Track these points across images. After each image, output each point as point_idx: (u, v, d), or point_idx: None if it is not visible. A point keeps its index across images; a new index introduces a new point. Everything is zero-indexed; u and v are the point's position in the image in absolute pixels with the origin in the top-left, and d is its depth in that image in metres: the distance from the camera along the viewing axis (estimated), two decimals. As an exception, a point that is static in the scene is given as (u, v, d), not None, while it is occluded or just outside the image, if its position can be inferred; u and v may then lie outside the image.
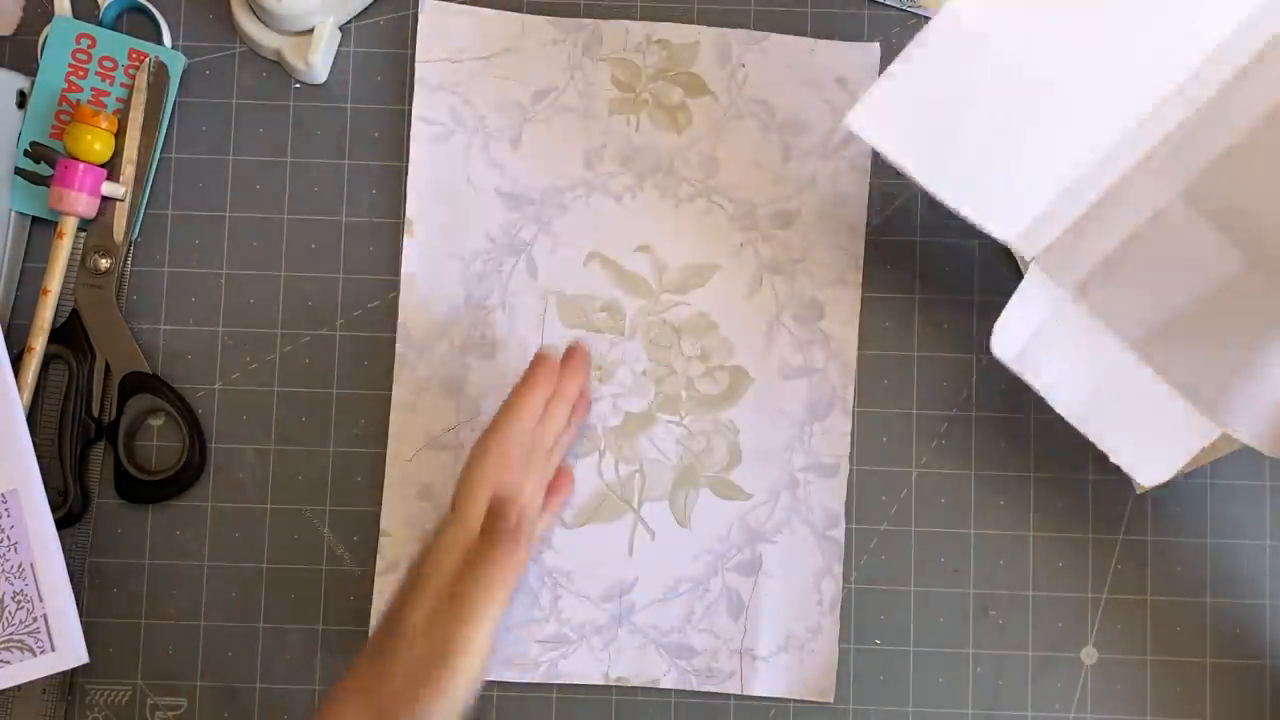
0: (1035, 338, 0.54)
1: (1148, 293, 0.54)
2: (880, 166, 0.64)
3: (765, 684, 0.62)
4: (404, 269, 0.63)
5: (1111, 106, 0.53)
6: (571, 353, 0.60)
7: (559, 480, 0.61)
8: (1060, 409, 0.55)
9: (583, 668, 0.62)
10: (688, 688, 0.62)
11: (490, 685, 0.62)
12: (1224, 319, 0.53)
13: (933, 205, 0.65)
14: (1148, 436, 0.54)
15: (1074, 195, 0.53)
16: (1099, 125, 0.53)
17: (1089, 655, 0.62)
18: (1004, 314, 0.54)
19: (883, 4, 0.65)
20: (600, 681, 0.62)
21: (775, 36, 0.64)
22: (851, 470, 0.63)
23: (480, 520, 0.55)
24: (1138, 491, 0.62)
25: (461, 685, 0.52)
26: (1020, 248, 0.54)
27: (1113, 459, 0.54)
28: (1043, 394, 0.54)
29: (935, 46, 0.52)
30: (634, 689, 0.62)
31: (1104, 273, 0.54)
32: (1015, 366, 0.54)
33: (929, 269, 0.64)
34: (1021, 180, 0.53)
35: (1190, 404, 0.54)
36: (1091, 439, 0.54)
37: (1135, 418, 0.54)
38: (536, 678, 0.62)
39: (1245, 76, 0.52)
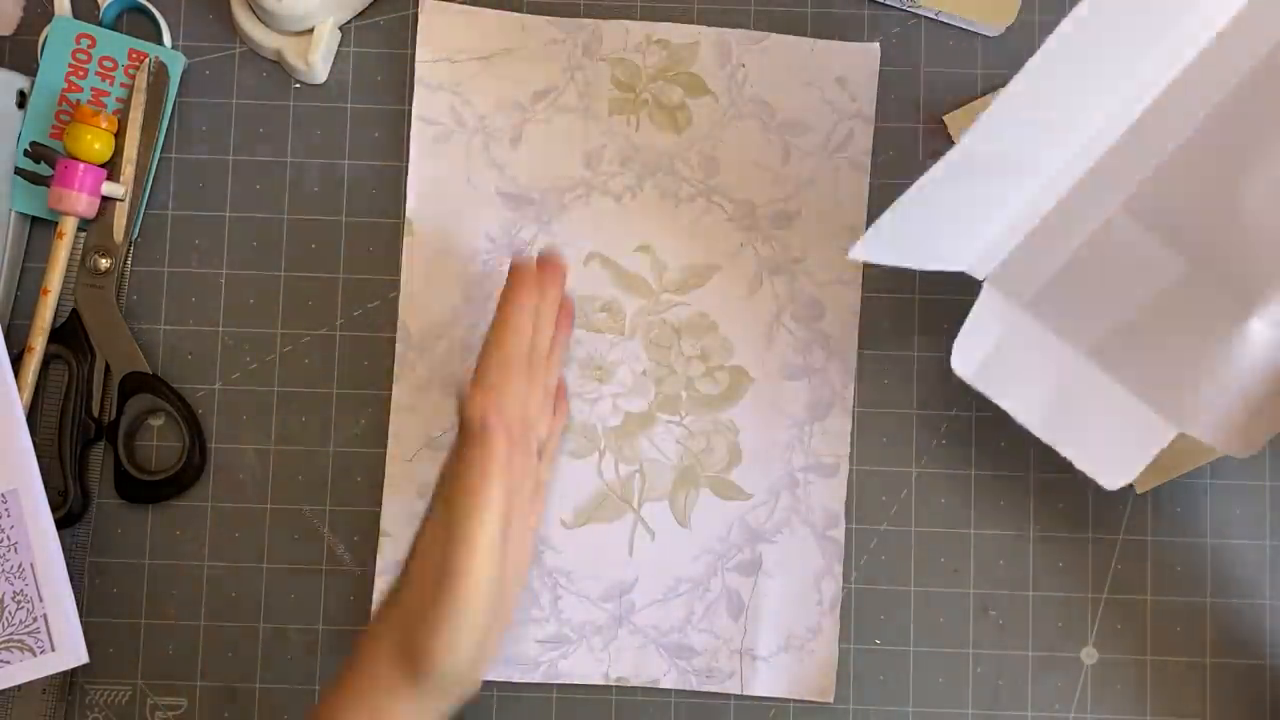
0: (993, 353, 0.56)
1: (1098, 304, 0.55)
2: (880, 166, 0.64)
3: (765, 684, 0.62)
4: (404, 269, 0.63)
5: (1058, 146, 0.54)
6: (545, 259, 0.59)
7: (559, 392, 0.61)
8: (1021, 420, 0.56)
9: (583, 668, 0.62)
10: (688, 688, 0.62)
11: (490, 685, 0.62)
12: (1174, 324, 0.54)
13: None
14: (1108, 441, 0.55)
15: (1022, 217, 0.55)
16: (1046, 161, 0.54)
17: (1089, 655, 0.62)
18: (961, 333, 0.56)
19: (883, 4, 0.65)
20: (600, 681, 0.62)
21: (775, 36, 0.64)
22: (851, 470, 0.63)
23: (495, 434, 0.53)
24: (1138, 491, 0.62)
25: (472, 600, 0.51)
26: (973, 270, 0.56)
27: (1075, 464, 0.55)
28: (1004, 407, 0.56)
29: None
30: (634, 689, 0.62)
31: (1055, 287, 0.55)
32: (975, 383, 0.56)
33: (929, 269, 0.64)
34: (967, 223, 0.55)
35: (1148, 408, 0.55)
36: (1052, 446, 0.56)
37: (1095, 423, 0.55)
38: (536, 678, 0.62)
39: (1178, 90, 0.54)
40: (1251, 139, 0.53)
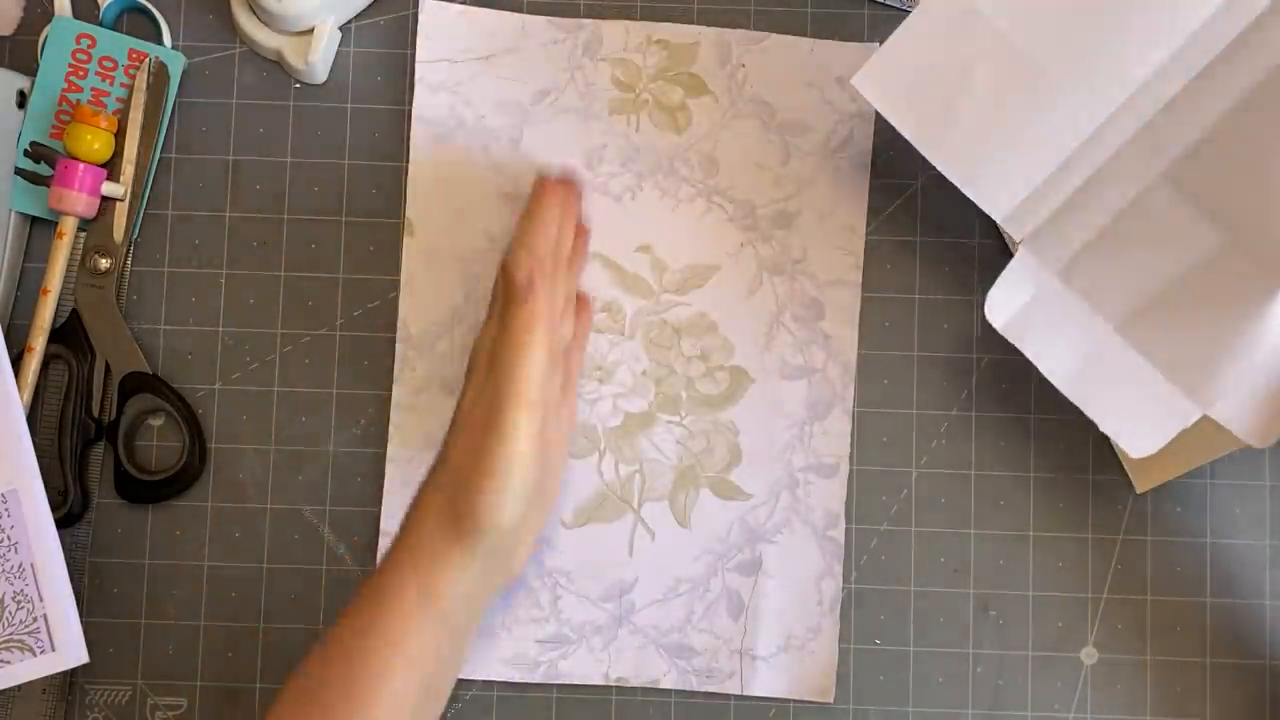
0: (1025, 309, 0.56)
1: (1132, 274, 0.55)
2: (880, 166, 0.64)
3: (765, 684, 0.62)
4: (404, 269, 0.63)
5: (1099, 88, 0.54)
6: (565, 176, 0.59)
7: (580, 304, 0.62)
8: (1049, 375, 0.56)
9: (583, 668, 0.62)
10: (688, 688, 0.62)
11: (490, 685, 0.62)
12: (1205, 300, 0.54)
13: (932, 205, 0.65)
14: (1136, 408, 0.55)
15: (1061, 177, 0.55)
16: (1087, 107, 0.54)
17: (1089, 655, 0.62)
18: (996, 285, 0.56)
19: (883, 4, 0.65)
20: (600, 682, 0.62)
21: (775, 36, 0.64)
22: (851, 470, 0.63)
23: (539, 293, 0.54)
24: (1138, 491, 0.62)
25: (520, 455, 0.52)
26: (1008, 228, 0.56)
27: (1101, 427, 0.55)
28: (1032, 360, 0.56)
29: (933, 16, 0.55)
30: (634, 689, 0.62)
31: (1089, 255, 0.56)
32: (1007, 333, 0.56)
33: (929, 269, 0.64)
34: (1012, 159, 0.55)
35: (1173, 386, 0.55)
36: (1079, 405, 0.56)
37: (1124, 389, 0.55)
38: (536, 678, 0.62)
39: (1225, 59, 0.53)
40: None
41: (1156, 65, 0.54)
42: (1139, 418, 0.55)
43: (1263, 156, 0.53)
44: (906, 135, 0.56)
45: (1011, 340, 0.56)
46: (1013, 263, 0.56)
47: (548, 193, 0.57)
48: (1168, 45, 0.54)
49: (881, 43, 0.64)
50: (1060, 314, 0.56)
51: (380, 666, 0.51)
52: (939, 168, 0.56)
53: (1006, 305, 0.56)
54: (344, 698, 0.51)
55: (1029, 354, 0.56)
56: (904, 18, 0.64)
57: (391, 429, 0.63)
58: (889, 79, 0.56)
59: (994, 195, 0.56)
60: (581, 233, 0.62)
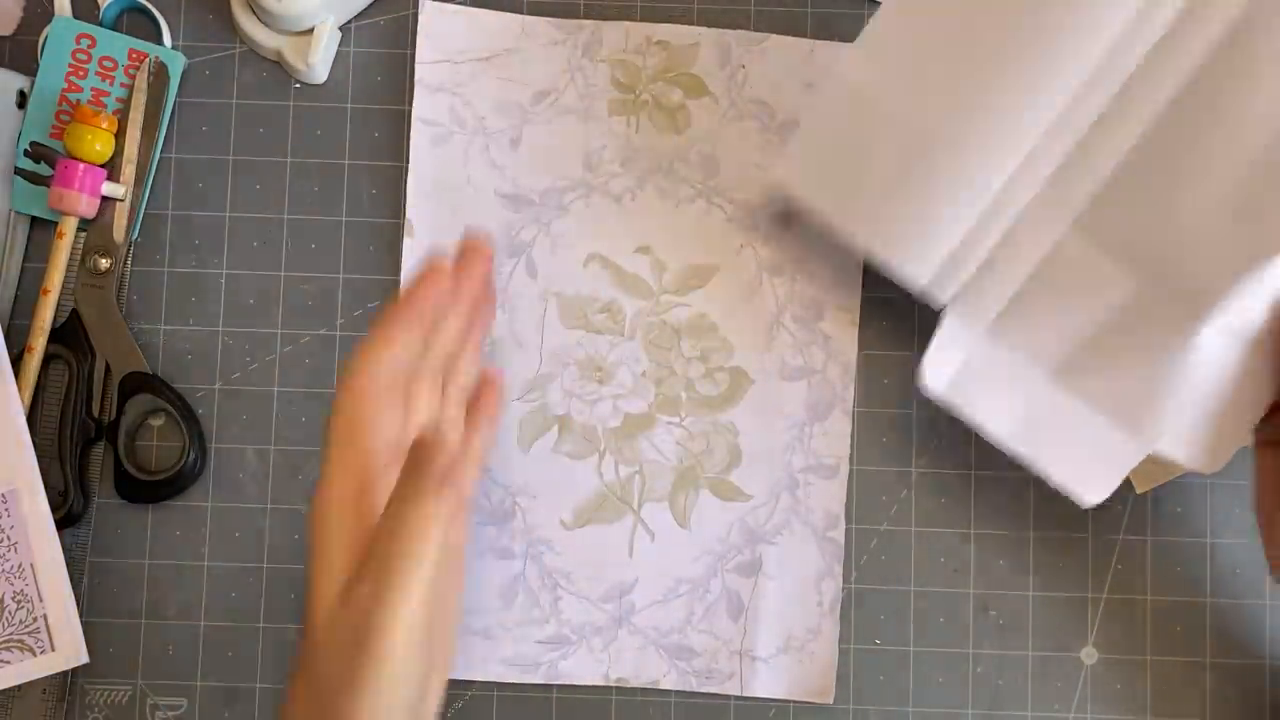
0: (959, 373, 0.56)
1: (1059, 324, 0.55)
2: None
3: (765, 685, 0.62)
4: (404, 269, 0.63)
5: (998, 146, 0.54)
6: (465, 246, 0.53)
7: (483, 391, 0.54)
8: (993, 436, 0.56)
9: (583, 668, 0.62)
10: (688, 689, 0.62)
11: (490, 685, 0.62)
12: (1133, 341, 0.54)
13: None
14: (1084, 455, 0.55)
15: (976, 238, 0.55)
16: (989, 166, 0.54)
17: (1089, 655, 0.62)
18: (928, 351, 0.56)
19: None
20: (600, 682, 0.62)
21: (775, 38, 0.64)
22: (851, 470, 0.63)
23: (349, 474, 0.47)
24: (1138, 491, 0.62)
25: (395, 673, 0.44)
26: (931, 294, 0.56)
27: (1050, 481, 0.55)
28: (975, 425, 0.56)
29: (828, 100, 0.55)
30: (634, 690, 0.62)
31: (1015, 310, 0.56)
32: (946, 400, 0.56)
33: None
34: (923, 227, 0.55)
35: (1116, 427, 0.55)
36: (1026, 462, 0.56)
37: (1069, 438, 0.55)
38: (536, 678, 0.62)
39: (1117, 104, 0.53)
40: (1185, 149, 0.53)
41: (1053, 116, 0.54)
42: (1087, 464, 0.55)
43: (1164, 195, 0.53)
44: (824, 217, 0.56)
45: (951, 407, 0.56)
46: (940, 329, 0.56)
47: (418, 285, 0.50)
48: (1061, 94, 0.53)
49: (881, 43, 0.64)
50: (995, 371, 0.56)
51: None
52: (856, 244, 0.56)
53: (941, 372, 0.56)
54: None
55: (970, 419, 0.56)
56: (904, 18, 0.64)
57: (391, 429, 0.63)
58: (803, 165, 0.56)
59: (912, 265, 0.56)
60: (483, 307, 0.56)
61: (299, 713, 0.46)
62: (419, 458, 0.46)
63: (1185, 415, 0.54)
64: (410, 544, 0.45)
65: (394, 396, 0.50)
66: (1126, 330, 0.54)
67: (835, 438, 0.63)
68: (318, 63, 0.63)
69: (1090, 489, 0.55)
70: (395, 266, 0.63)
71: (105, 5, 0.63)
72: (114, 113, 0.62)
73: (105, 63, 0.63)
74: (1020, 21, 0.52)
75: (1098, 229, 0.54)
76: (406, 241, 0.64)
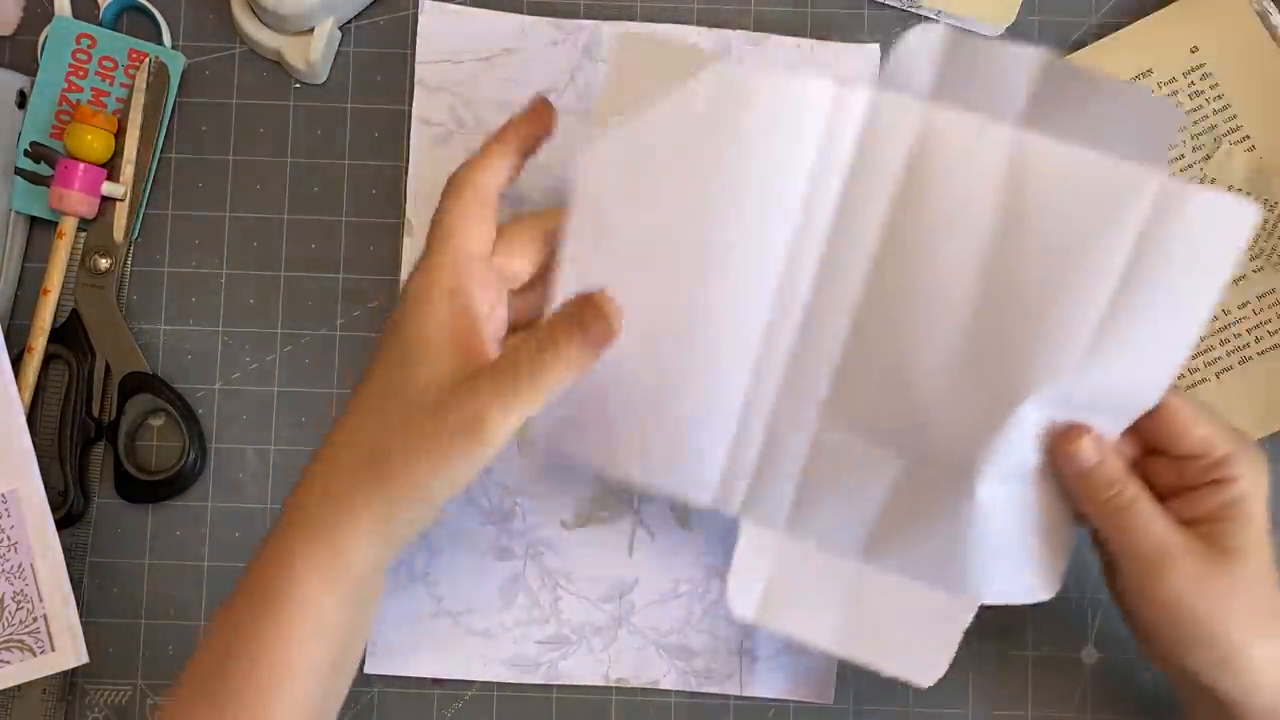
0: (771, 584, 0.55)
1: (848, 511, 0.53)
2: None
3: (765, 684, 0.62)
4: (404, 269, 0.63)
5: (727, 357, 0.52)
6: (536, 107, 0.56)
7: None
8: (816, 644, 0.55)
9: (583, 668, 0.62)
10: (687, 688, 0.62)
11: (490, 685, 0.62)
12: (921, 508, 0.52)
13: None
14: (912, 634, 0.54)
15: (741, 452, 0.54)
16: (726, 379, 0.52)
17: (1089, 655, 0.62)
18: (732, 573, 0.54)
19: (883, 4, 0.65)
20: (600, 682, 0.62)
21: (775, 38, 0.64)
22: (851, 470, 0.63)
23: (445, 268, 0.51)
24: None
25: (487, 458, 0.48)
26: (720, 508, 0.55)
27: (884, 672, 0.54)
28: (796, 638, 0.54)
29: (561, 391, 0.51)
30: (634, 690, 0.62)
31: (803, 506, 0.54)
32: (761, 622, 0.54)
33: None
34: (688, 452, 0.54)
35: (938, 592, 0.53)
36: (855, 660, 0.54)
37: (894, 618, 0.54)
38: (536, 678, 0.62)
39: (819, 295, 0.51)
40: (898, 317, 0.50)
41: (765, 316, 0.51)
42: (918, 642, 0.53)
43: (895, 370, 0.51)
44: (606, 477, 0.53)
45: (768, 627, 0.54)
46: (739, 546, 0.55)
47: (531, 117, 0.54)
48: (764, 296, 0.51)
49: (881, 43, 0.64)
50: (804, 573, 0.54)
51: (288, 642, 0.47)
52: (633, 483, 0.54)
53: (749, 592, 0.54)
54: (250, 683, 0.47)
55: (791, 632, 0.54)
56: (904, 18, 0.64)
57: (391, 429, 0.63)
58: (553, 425, 0.53)
59: (694, 488, 0.54)
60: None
61: (342, 463, 0.49)
62: (576, 314, 0.49)
63: (1004, 560, 0.53)
64: (543, 371, 0.48)
65: (486, 212, 0.52)
66: (911, 502, 0.52)
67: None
68: (318, 63, 0.63)
69: (926, 670, 0.53)
70: (395, 266, 0.63)
71: (105, 5, 0.63)
72: (114, 113, 0.62)
73: (105, 63, 0.63)
74: (698, 255, 0.50)
75: (848, 415, 0.52)
76: (406, 241, 0.64)
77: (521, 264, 0.54)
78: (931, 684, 0.53)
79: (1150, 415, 0.50)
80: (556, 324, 0.49)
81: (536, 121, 0.54)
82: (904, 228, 0.48)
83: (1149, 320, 0.47)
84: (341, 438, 0.50)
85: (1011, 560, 0.53)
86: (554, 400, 0.48)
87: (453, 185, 0.52)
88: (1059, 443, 0.51)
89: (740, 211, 0.49)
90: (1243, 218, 0.46)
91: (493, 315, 0.52)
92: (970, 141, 0.47)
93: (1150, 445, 0.52)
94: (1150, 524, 0.51)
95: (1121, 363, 0.48)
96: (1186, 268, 0.46)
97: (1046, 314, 0.47)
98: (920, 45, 0.48)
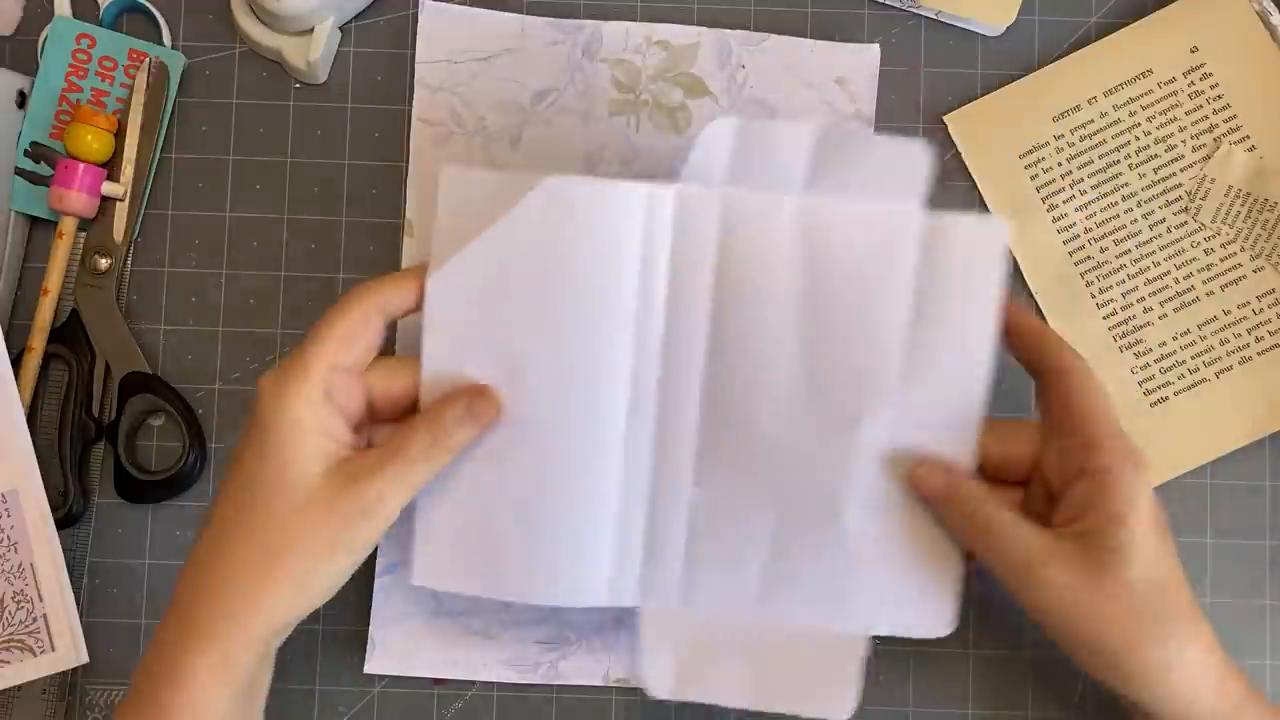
0: (682, 661, 0.56)
1: (734, 570, 0.55)
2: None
3: (765, 684, 0.62)
4: (404, 269, 0.63)
5: (587, 441, 0.55)
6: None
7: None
8: (737, 705, 0.56)
9: (583, 668, 0.62)
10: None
11: (490, 685, 0.62)
12: (799, 549, 0.55)
13: (931, 205, 0.65)
14: (816, 677, 0.55)
15: (625, 537, 0.55)
16: (590, 464, 0.55)
17: (1089, 655, 0.62)
18: (642, 661, 0.56)
19: (883, 4, 0.65)
20: (600, 682, 0.62)
21: (775, 37, 0.64)
22: (851, 470, 0.63)
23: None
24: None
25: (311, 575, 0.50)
26: (616, 602, 0.56)
27: (802, 714, 0.55)
28: (715, 702, 0.56)
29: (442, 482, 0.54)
30: (634, 689, 0.62)
31: (692, 581, 0.56)
32: (678, 697, 0.56)
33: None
34: (568, 551, 0.55)
35: (831, 627, 0.55)
36: (773, 709, 0.55)
37: (799, 664, 0.55)
38: (536, 678, 0.62)
39: (666, 368, 0.55)
40: (741, 374, 0.54)
41: (624, 408, 0.54)
42: (823, 680, 0.55)
43: (743, 422, 0.54)
44: (494, 596, 0.55)
45: (686, 698, 0.56)
46: (641, 630, 0.56)
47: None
48: (621, 388, 0.54)
49: (882, 43, 0.64)
50: (710, 640, 0.56)
51: None
52: (525, 601, 0.55)
53: (662, 671, 0.56)
54: None
55: (710, 699, 0.55)
56: (904, 18, 0.64)
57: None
58: (437, 562, 0.55)
59: (581, 590, 0.56)
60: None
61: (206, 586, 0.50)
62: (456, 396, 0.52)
63: (889, 591, 0.55)
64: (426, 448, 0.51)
65: (371, 328, 0.53)
66: (791, 548, 0.55)
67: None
68: (318, 63, 0.63)
69: (835, 704, 0.55)
70: (395, 266, 0.63)
71: (105, 5, 0.63)
72: (114, 113, 0.62)
73: (105, 63, 0.63)
74: (550, 360, 0.54)
75: (716, 479, 0.55)
76: (406, 241, 0.63)
77: (390, 384, 0.54)
78: (843, 714, 0.55)
79: (1058, 379, 0.53)
80: (441, 405, 0.52)
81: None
82: (728, 299, 0.53)
83: (946, 337, 0.53)
84: (225, 532, 0.50)
85: (897, 592, 0.55)
86: (438, 531, 0.54)
87: (352, 293, 0.52)
88: (911, 473, 0.53)
89: (581, 312, 0.53)
90: (997, 233, 0.53)
91: (350, 420, 0.53)
92: (765, 216, 0.53)
93: (1052, 419, 0.53)
94: (1013, 535, 0.51)
95: (937, 380, 0.53)
96: (964, 285, 0.53)
97: (858, 351, 0.53)
98: (714, 139, 0.53)
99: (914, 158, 0.53)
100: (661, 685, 0.56)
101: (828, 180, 0.53)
